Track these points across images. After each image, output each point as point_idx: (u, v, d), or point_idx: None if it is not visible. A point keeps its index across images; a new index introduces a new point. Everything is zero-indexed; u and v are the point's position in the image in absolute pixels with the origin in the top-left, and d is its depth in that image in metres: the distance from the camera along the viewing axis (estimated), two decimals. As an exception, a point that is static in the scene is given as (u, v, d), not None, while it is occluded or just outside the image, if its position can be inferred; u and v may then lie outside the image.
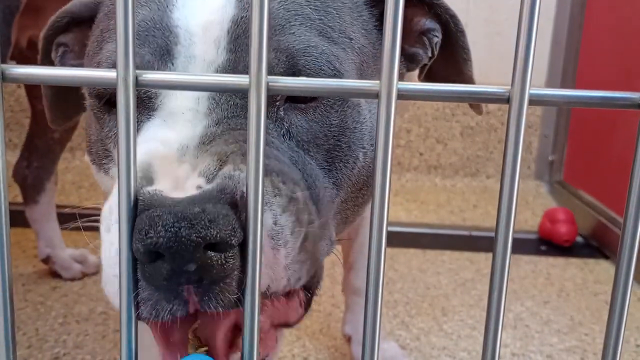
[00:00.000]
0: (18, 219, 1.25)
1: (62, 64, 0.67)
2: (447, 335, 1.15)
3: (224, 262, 0.41)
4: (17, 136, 1.30)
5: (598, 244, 1.64)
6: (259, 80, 0.35)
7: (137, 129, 0.52)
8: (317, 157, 0.55)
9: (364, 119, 0.58)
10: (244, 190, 0.43)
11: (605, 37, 1.86)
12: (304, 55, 0.53)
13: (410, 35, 0.65)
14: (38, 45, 1.12)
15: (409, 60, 0.66)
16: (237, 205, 0.44)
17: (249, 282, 0.36)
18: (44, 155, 1.26)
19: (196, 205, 0.42)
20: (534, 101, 0.36)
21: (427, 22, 0.65)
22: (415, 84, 0.37)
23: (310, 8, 0.56)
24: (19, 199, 1.28)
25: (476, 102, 0.37)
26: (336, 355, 1.06)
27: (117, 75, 0.35)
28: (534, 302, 1.30)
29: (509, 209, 0.36)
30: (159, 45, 0.53)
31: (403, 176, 2.16)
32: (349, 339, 1.02)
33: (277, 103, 0.53)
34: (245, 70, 0.48)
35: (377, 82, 0.36)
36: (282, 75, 0.51)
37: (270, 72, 0.50)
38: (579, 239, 1.66)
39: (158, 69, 0.52)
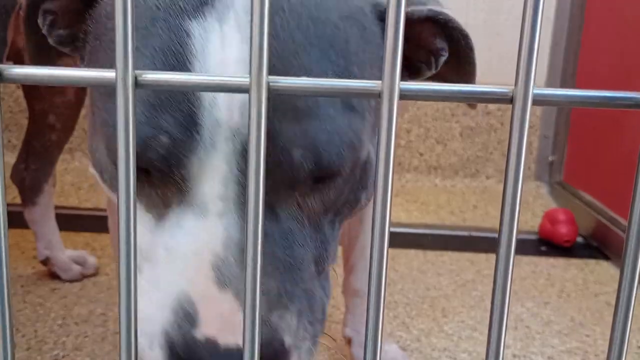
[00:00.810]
0: (17, 220, 1.24)
1: (50, 32, 0.64)
2: (447, 336, 1.15)
3: None
4: (16, 137, 1.29)
5: (598, 245, 1.64)
6: (259, 80, 0.35)
7: (164, 213, 0.51)
8: (327, 219, 0.56)
9: (370, 165, 0.57)
10: (285, 338, 0.48)
11: (605, 37, 1.86)
12: (328, 149, 0.50)
13: (419, 51, 0.64)
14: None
15: (412, 72, 0.65)
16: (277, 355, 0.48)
17: (248, 298, 0.36)
18: (42, 156, 1.25)
19: None
20: (538, 101, 0.36)
21: (438, 42, 0.64)
22: (417, 84, 0.37)
23: (334, 71, 0.51)
24: (19, 200, 1.27)
25: (479, 102, 0.37)
26: (337, 357, 1.06)
27: (116, 76, 0.34)
28: (535, 303, 1.30)
29: (512, 210, 0.36)
30: (182, 111, 0.48)
31: (403, 177, 2.16)
32: (349, 341, 1.02)
33: (297, 192, 0.52)
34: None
35: (379, 82, 0.35)
36: (307, 173, 0.50)
37: (296, 170, 0.49)
38: (579, 239, 1.66)
39: (183, 143, 0.48)
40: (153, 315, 0.48)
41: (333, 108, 0.50)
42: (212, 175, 0.49)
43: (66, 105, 1.23)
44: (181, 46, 0.49)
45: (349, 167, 0.53)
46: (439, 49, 0.64)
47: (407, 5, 0.62)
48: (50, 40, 0.63)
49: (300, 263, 0.52)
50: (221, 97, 0.49)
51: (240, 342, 0.45)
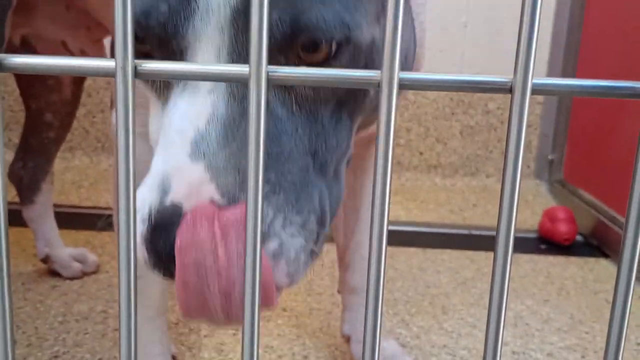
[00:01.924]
0: (18, 218, 1.24)
1: None
2: (447, 333, 1.15)
3: None
4: (17, 136, 1.30)
5: (598, 243, 1.64)
6: (259, 70, 0.35)
7: (168, 91, 0.52)
8: (327, 109, 0.54)
9: (377, 53, 0.55)
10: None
11: (605, 32, 1.86)
12: (309, 12, 0.50)
13: None
14: (33, 44, 1.11)
15: None
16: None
17: (248, 293, 0.36)
18: (39, 154, 1.25)
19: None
20: (537, 90, 0.36)
21: None
22: (417, 74, 0.37)
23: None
24: (18, 198, 1.27)
25: (479, 92, 0.37)
26: (336, 354, 1.06)
27: (116, 65, 0.34)
28: (534, 300, 1.30)
29: (510, 204, 0.36)
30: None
31: (403, 175, 2.16)
32: (348, 339, 1.02)
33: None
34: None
35: (378, 72, 0.35)
36: (285, 36, 0.49)
37: (273, 33, 0.49)
38: (578, 237, 1.66)
39: (180, 10, 0.50)
40: (142, 195, 0.50)
41: None
42: (206, 46, 0.50)
43: (62, 102, 1.23)
44: None
45: (339, 43, 0.51)
46: None
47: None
48: None
49: (289, 153, 0.51)
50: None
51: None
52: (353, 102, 0.56)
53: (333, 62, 0.52)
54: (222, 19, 0.49)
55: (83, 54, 1.12)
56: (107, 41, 1.06)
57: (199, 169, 0.47)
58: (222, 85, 0.50)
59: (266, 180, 0.48)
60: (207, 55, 0.50)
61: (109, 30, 1.12)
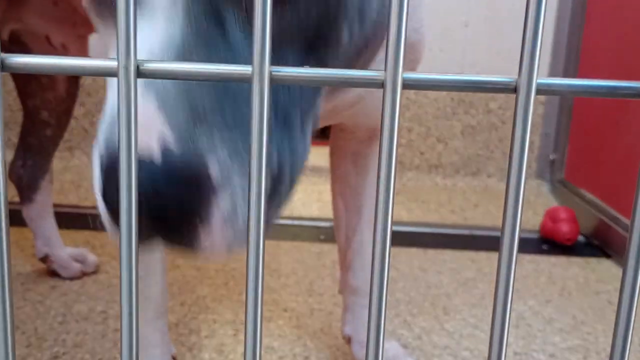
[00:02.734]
0: (16, 218, 1.24)
1: None
2: (449, 334, 1.14)
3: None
4: (15, 135, 1.30)
5: (600, 243, 1.64)
6: (262, 71, 0.34)
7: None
8: (294, 53, 0.50)
9: None
10: (209, 162, 0.43)
11: (606, 32, 1.85)
12: None
13: None
14: (22, 39, 1.11)
15: None
16: (198, 182, 0.43)
17: (250, 285, 0.36)
18: (38, 153, 1.25)
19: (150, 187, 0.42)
20: (542, 90, 0.35)
21: None
22: (420, 74, 0.36)
23: None
24: (17, 197, 1.27)
25: (483, 91, 0.36)
26: (337, 355, 1.06)
27: (118, 64, 0.34)
28: (536, 301, 1.30)
29: (515, 204, 0.36)
30: None
31: (404, 175, 2.16)
32: (349, 340, 1.01)
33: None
34: None
35: (382, 71, 0.35)
36: None
37: None
38: (580, 238, 1.66)
39: None
40: (99, 139, 0.47)
41: None
42: None
43: (58, 100, 1.23)
44: None
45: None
46: None
47: None
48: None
49: (245, 91, 0.46)
50: None
51: (153, 145, 0.43)
52: (325, 49, 0.52)
53: None
54: None
55: (65, 48, 1.12)
56: (92, 39, 1.06)
57: (149, 106, 0.44)
58: (180, 15, 0.46)
59: (220, 113, 0.45)
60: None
61: (93, 27, 1.12)
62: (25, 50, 1.12)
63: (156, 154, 0.42)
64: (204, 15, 0.46)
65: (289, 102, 0.50)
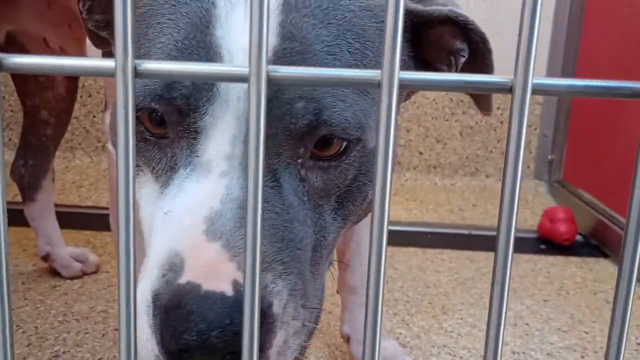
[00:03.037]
0: (18, 217, 1.24)
1: (89, 17, 0.66)
2: (447, 333, 1.15)
3: None
4: (16, 135, 1.30)
5: (597, 243, 1.64)
6: (259, 70, 0.35)
7: (171, 178, 0.52)
8: (329, 204, 0.55)
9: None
10: (274, 302, 0.47)
11: (604, 32, 1.86)
12: (331, 108, 0.51)
13: (438, 53, 0.64)
14: (19, 40, 1.11)
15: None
16: (263, 317, 0.45)
17: (248, 283, 0.36)
18: (38, 152, 1.26)
19: (226, 317, 0.43)
20: (537, 90, 0.36)
21: (457, 43, 0.64)
22: (417, 74, 0.37)
23: (350, 52, 0.54)
24: (20, 197, 1.27)
25: (479, 92, 0.37)
26: (336, 354, 1.06)
27: (116, 64, 0.34)
28: (534, 300, 1.30)
29: (511, 204, 0.36)
30: (205, 61, 0.51)
31: (403, 175, 2.16)
32: (347, 339, 1.02)
33: (300, 160, 0.53)
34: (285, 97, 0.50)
35: (379, 71, 0.35)
36: (307, 125, 0.51)
37: (297, 120, 0.50)
38: (578, 237, 1.66)
39: (202, 90, 0.51)
40: (144, 278, 0.48)
41: (336, 65, 0.53)
42: (221, 132, 0.50)
43: (57, 99, 1.23)
44: (206, 11, 0.52)
45: (353, 144, 0.53)
46: (459, 49, 0.64)
47: (427, 4, 0.63)
48: (89, 25, 0.65)
49: (299, 241, 0.51)
50: (239, 53, 0.51)
51: (225, 289, 0.45)
52: (352, 205, 0.57)
53: (343, 158, 0.54)
54: (240, 110, 0.50)
55: (63, 51, 1.12)
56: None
57: (217, 247, 0.46)
58: (236, 170, 0.49)
59: (281, 261, 0.49)
60: (221, 139, 0.50)
61: None
62: (23, 51, 1.13)
63: (229, 290, 0.44)
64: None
65: (324, 245, 0.55)
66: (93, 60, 0.37)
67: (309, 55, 0.51)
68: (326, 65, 0.51)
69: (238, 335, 0.42)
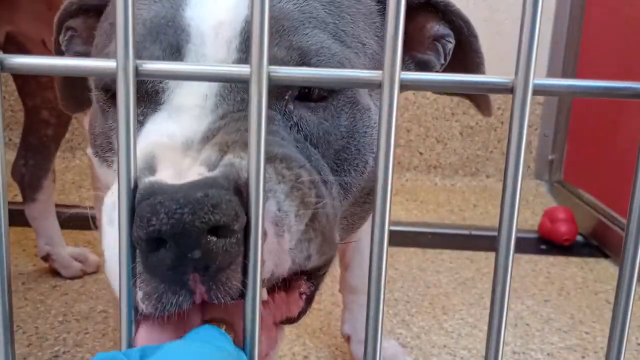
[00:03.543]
0: (18, 217, 1.24)
1: (68, 48, 0.67)
2: (447, 333, 1.15)
3: (228, 247, 0.40)
4: (17, 136, 1.30)
5: (598, 243, 1.64)
6: (260, 70, 0.35)
7: (142, 122, 0.52)
8: (326, 155, 0.54)
9: (374, 123, 0.57)
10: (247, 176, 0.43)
11: (605, 32, 1.86)
12: (316, 55, 0.52)
13: (423, 42, 0.64)
14: (19, 40, 1.12)
15: (421, 67, 0.65)
16: (240, 191, 0.42)
17: (251, 272, 0.36)
18: (39, 152, 1.26)
19: (198, 191, 0.40)
20: (538, 91, 0.36)
21: (441, 29, 0.64)
22: (418, 74, 0.37)
23: (325, 12, 0.55)
24: (20, 197, 1.27)
25: (480, 92, 0.37)
26: (337, 354, 1.06)
27: (117, 65, 0.34)
28: (535, 300, 1.30)
29: (512, 204, 0.36)
30: (170, 43, 0.52)
31: (403, 176, 2.16)
32: (348, 339, 1.02)
33: (287, 97, 0.53)
34: None
35: (380, 72, 0.35)
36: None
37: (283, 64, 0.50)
38: (579, 238, 1.66)
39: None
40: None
41: (321, 34, 0.53)
42: (191, 91, 0.51)
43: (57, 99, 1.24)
44: None
45: (331, 82, 0.51)
46: (443, 35, 0.63)
47: None
48: (67, 55, 0.66)
49: (291, 158, 0.49)
50: (208, 33, 0.51)
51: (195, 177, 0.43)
52: (353, 171, 0.56)
53: (330, 100, 0.54)
54: (212, 85, 0.51)
55: None
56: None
57: (189, 160, 0.46)
58: (209, 112, 0.50)
59: (244, 143, 0.46)
60: (194, 98, 0.50)
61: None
62: (23, 51, 1.13)
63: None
64: (235, 106, 0.50)
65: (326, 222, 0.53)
66: (94, 61, 0.37)
67: (275, 29, 0.52)
68: (304, 24, 0.53)
69: (216, 207, 0.39)
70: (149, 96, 0.52)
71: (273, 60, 0.49)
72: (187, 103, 0.50)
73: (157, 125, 0.50)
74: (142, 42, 0.51)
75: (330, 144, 0.54)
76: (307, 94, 0.53)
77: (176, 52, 0.51)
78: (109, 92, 0.55)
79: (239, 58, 0.51)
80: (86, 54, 0.66)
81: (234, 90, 0.50)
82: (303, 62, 0.52)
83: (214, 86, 0.50)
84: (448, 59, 0.65)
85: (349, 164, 0.56)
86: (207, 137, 0.47)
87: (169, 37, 0.52)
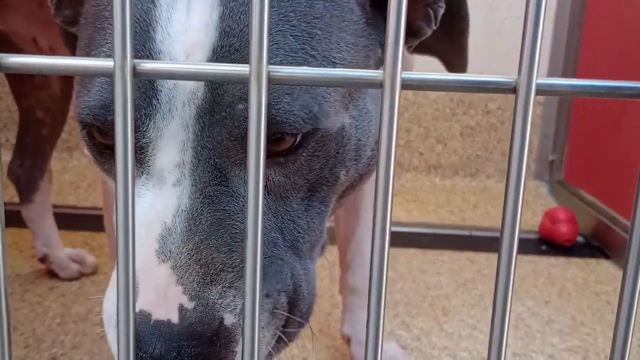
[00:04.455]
0: (16, 219, 1.24)
1: (57, 12, 0.64)
2: (447, 335, 1.14)
3: None
4: (14, 136, 1.30)
5: (599, 244, 1.64)
6: (259, 69, 0.34)
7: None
8: (298, 194, 0.54)
9: (348, 140, 0.55)
10: (224, 317, 0.47)
11: (605, 32, 1.85)
12: (275, 106, 0.49)
13: (415, 8, 0.61)
14: (10, 38, 1.11)
15: (411, 34, 0.62)
16: (215, 338, 0.46)
17: (249, 282, 0.35)
18: (35, 153, 1.25)
19: (174, 348, 0.45)
20: (541, 90, 0.35)
21: None
22: (419, 74, 0.36)
23: (292, 36, 0.51)
24: (17, 198, 1.27)
25: (482, 92, 0.36)
26: (336, 356, 1.05)
27: (114, 64, 0.34)
28: (535, 302, 1.29)
29: (514, 204, 0.35)
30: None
31: (403, 176, 2.16)
32: (348, 340, 1.01)
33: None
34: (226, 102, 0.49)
35: (381, 71, 0.35)
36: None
37: (239, 123, 0.48)
38: (579, 238, 1.66)
39: (140, 108, 0.50)
40: (109, 292, 0.54)
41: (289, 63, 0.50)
42: (169, 142, 0.49)
43: (52, 99, 1.23)
44: (146, 13, 0.50)
45: (309, 134, 0.51)
46: (435, 0, 0.61)
47: None
48: (58, 20, 0.64)
49: (268, 276, 0.51)
50: (180, 56, 0.49)
51: (172, 316, 0.46)
52: (326, 188, 0.56)
53: (299, 151, 0.52)
54: (186, 116, 0.49)
55: (52, 50, 1.12)
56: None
57: (165, 270, 0.47)
58: (187, 178, 0.49)
59: (231, 266, 0.48)
60: (169, 150, 0.49)
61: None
62: (16, 51, 1.12)
63: (175, 317, 0.46)
64: (210, 177, 0.50)
65: (295, 230, 0.54)
66: (92, 60, 0.36)
67: (246, 52, 0.48)
68: (271, 56, 0.49)
69: None
70: (137, 155, 0.51)
71: (230, 115, 0.49)
72: (165, 163, 0.50)
73: (140, 201, 0.50)
74: None
75: (302, 187, 0.54)
76: (275, 141, 0.51)
77: (149, 86, 0.50)
78: (85, 128, 0.53)
79: (209, 87, 0.49)
80: (75, 19, 0.63)
81: (208, 156, 0.50)
82: (269, 104, 0.49)
83: (187, 149, 0.50)
84: (437, 23, 0.63)
85: (322, 187, 0.56)
86: (189, 232, 0.48)
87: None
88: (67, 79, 1.25)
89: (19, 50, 1.12)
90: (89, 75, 0.54)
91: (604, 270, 1.49)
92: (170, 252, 0.47)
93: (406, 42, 0.62)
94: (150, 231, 0.48)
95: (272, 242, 0.52)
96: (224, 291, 0.47)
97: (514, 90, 0.36)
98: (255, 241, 0.35)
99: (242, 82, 0.36)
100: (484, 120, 2.17)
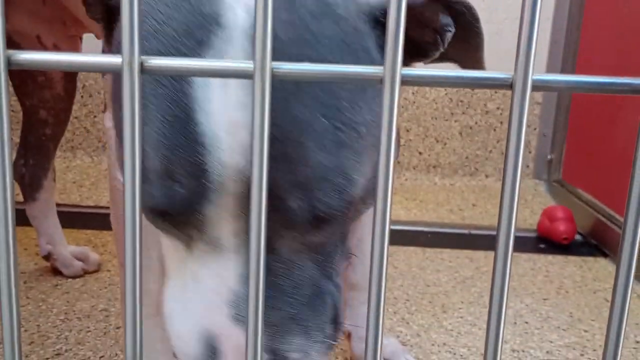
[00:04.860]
0: (20, 217, 1.24)
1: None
2: (447, 331, 1.15)
3: None
4: (18, 136, 1.31)
5: (597, 242, 1.65)
6: (263, 66, 0.35)
7: (190, 245, 0.54)
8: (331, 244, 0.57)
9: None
10: (296, 357, 0.53)
11: (604, 29, 1.86)
12: (324, 200, 0.50)
13: (424, 30, 0.60)
14: (13, 39, 1.12)
15: (419, 55, 0.63)
16: None
17: (252, 282, 0.36)
18: (38, 151, 1.26)
19: None
20: (538, 86, 0.36)
21: (442, 18, 0.62)
22: (419, 70, 0.37)
23: (322, 104, 0.49)
24: (21, 197, 1.28)
25: (480, 88, 0.37)
26: (336, 351, 1.06)
27: (122, 60, 0.35)
28: (533, 299, 1.30)
29: (511, 202, 0.36)
30: (191, 162, 0.49)
31: (402, 175, 2.17)
32: (348, 336, 1.02)
33: (295, 232, 0.54)
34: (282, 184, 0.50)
35: (381, 67, 0.36)
36: (303, 221, 0.51)
37: (292, 217, 0.50)
38: (577, 237, 1.67)
39: (197, 193, 0.51)
40: (186, 346, 0.55)
41: (323, 151, 0.49)
42: (224, 215, 0.51)
43: (55, 98, 1.24)
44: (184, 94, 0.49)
45: (345, 207, 0.53)
46: (443, 25, 0.61)
47: None
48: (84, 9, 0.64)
49: (301, 283, 0.54)
50: (224, 141, 0.48)
51: None
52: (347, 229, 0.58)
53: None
54: (239, 190, 0.50)
55: (56, 48, 1.13)
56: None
57: (241, 332, 0.51)
58: (244, 239, 0.52)
59: (287, 318, 0.53)
60: (225, 219, 0.51)
61: (85, 27, 1.12)
62: (18, 49, 1.13)
63: None
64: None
65: (330, 262, 0.58)
66: (100, 57, 0.37)
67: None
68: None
69: None
70: (190, 221, 0.53)
71: (285, 207, 0.51)
72: (223, 232, 0.53)
73: (203, 268, 0.54)
74: (169, 165, 0.50)
75: (337, 237, 0.58)
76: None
77: (199, 170, 0.50)
78: (159, 215, 0.54)
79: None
80: (101, 5, 0.60)
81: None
82: (312, 207, 0.52)
83: (241, 221, 0.52)
84: (446, 45, 0.63)
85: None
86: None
87: (190, 156, 0.49)
88: (70, 79, 1.26)
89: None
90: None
91: (601, 268, 1.50)
92: (244, 314, 0.51)
93: (415, 61, 0.64)
94: (220, 296, 0.52)
95: (317, 286, 0.56)
96: (290, 338, 0.53)
97: (510, 86, 0.36)
98: (259, 242, 0.36)
99: (247, 78, 0.36)
100: (483, 120, 2.18)
